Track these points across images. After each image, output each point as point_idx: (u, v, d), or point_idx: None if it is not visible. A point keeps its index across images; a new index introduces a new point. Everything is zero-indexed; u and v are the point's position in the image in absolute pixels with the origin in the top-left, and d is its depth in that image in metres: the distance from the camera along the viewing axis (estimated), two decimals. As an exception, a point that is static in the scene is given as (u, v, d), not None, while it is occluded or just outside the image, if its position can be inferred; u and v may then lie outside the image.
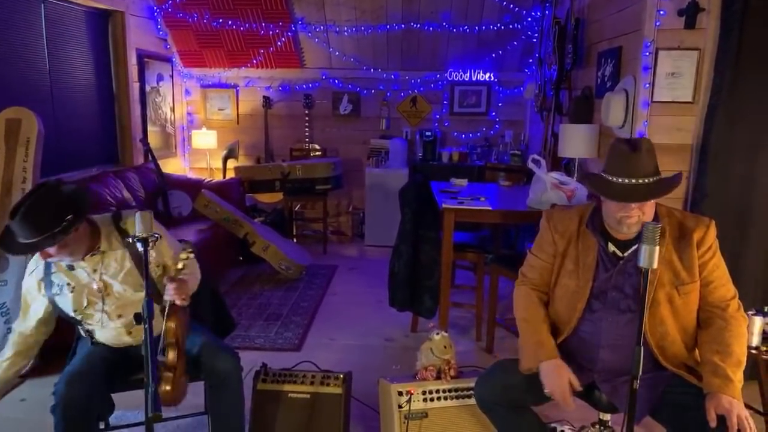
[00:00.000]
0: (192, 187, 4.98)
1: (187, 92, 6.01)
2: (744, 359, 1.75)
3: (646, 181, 1.75)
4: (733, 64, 2.74)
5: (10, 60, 3.70)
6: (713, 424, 1.61)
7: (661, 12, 2.89)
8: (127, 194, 4.35)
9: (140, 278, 2.02)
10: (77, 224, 1.87)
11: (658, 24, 2.90)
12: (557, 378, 1.79)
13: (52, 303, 2.06)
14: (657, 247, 1.48)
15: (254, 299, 4.21)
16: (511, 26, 5.33)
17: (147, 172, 4.81)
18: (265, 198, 5.79)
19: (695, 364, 1.83)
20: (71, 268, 2.02)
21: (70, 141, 4.30)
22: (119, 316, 2.06)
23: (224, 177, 5.70)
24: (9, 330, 2.97)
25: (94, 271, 2.03)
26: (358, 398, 2.57)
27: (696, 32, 2.86)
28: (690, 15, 2.81)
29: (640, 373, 1.58)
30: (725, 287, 1.84)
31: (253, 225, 4.64)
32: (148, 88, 5.21)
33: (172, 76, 5.69)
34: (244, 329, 3.64)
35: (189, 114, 6.06)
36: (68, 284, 2.04)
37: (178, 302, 1.88)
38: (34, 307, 2.09)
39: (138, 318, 1.54)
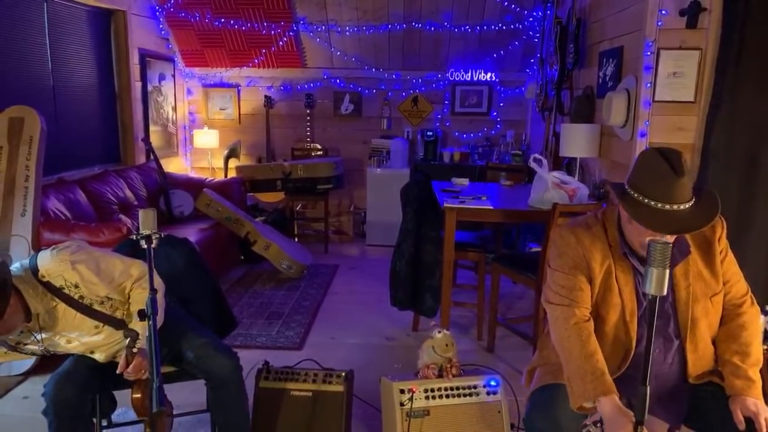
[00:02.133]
0: (194, 186, 4.99)
1: (189, 92, 6.02)
2: (761, 357, 1.73)
3: (688, 206, 1.58)
4: (734, 63, 2.75)
5: (13, 59, 3.72)
6: (742, 427, 1.59)
7: (663, 12, 2.90)
8: (129, 193, 4.36)
9: (92, 321, 1.85)
10: (3, 307, 1.62)
11: (659, 24, 2.91)
12: (623, 424, 1.51)
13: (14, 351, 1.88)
14: (667, 271, 1.29)
15: (255, 298, 4.22)
16: (512, 26, 5.34)
17: (149, 172, 4.82)
18: (267, 197, 5.80)
19: (715, 366, 1.80)
20: (20, 331, 1.81)
21: (72, 140, 4.31)
22: (92, 352, 1.94)
23: (226, 176, 5.71)
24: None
25: (42, 329, 1.81)
26: (359, 397, 2.58)
27: (697, 32, 2.87)
28: (692, 15, 2.82)
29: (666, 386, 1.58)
30: (740, 283, 1.80)
31: (255, 224, 4.65)
32: (150, 88, 5.22)
33: (174, 76, 5.70)
34: (246, 328, 3.64)
35: (191, 113, 6.07)
36: (20, 343, 1.84)
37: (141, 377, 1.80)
38: None
39: (142, 315, 1.54)
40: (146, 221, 1.75)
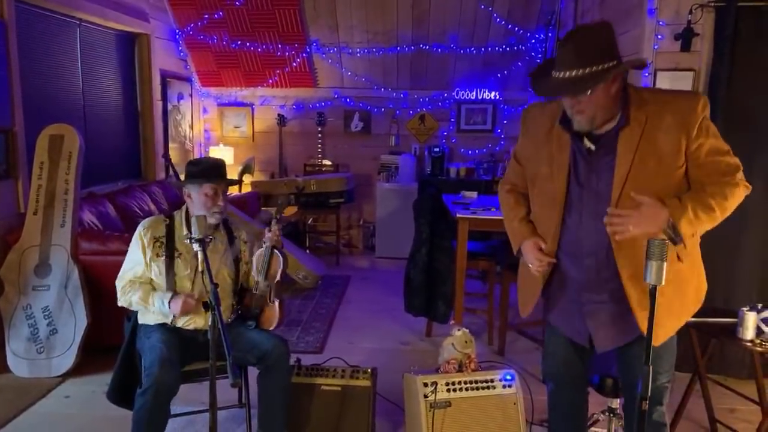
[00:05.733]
0: (211, 200, 5.19)
1: (205, 110, 6.26)
2: (716, 208, 1.64)
3: (571, 74, 1.61)
4: (725, 83, 2.99)
5: (50, 80, 3.96)
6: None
7: (659, 36, 3.15)
8: (152, 206, 4.57)
9: (233, 272, 2.40)
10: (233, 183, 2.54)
11: (656, 47, 3.16)
12: (531, 251, 1.86)
13: (156, 261, 2.29)
14: (664, 263, 1.42)
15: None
16: (515, 47, 5.60)
17: (169, 186, 5.03)
18: (280, 212, 6.00)
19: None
20: (194, 241, 2.10)
21: (99, 156, 4.53)
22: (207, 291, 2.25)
23: (240, 191, 5.92)
24: (52, 331, 3.18)
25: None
26: (380, 394, 2.75)
27: (691, 55, 3.11)
28: (685, 39, 3.06)
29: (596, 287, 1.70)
30: (724, 164, 1.70)
31: (272, 236, 4.84)
32: (169, 107, 5.46)
33: (191, 95, 5.95)
34: (267, 334, 3.82)
35: (206, 131, 6.30)
36: (182, 255, 2.31)
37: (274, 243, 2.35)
38: (138, 260, 2.31)
39: (206, 306, 1.74)
40: (200, 227, 1.96)
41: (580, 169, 1.78)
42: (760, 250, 3.07)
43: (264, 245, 2.39)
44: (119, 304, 2.33)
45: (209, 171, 2.31)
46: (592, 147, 1.74)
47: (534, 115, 1.92)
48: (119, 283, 2.33)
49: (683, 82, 3.14)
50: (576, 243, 1.80)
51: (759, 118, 3.01)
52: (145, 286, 2.30)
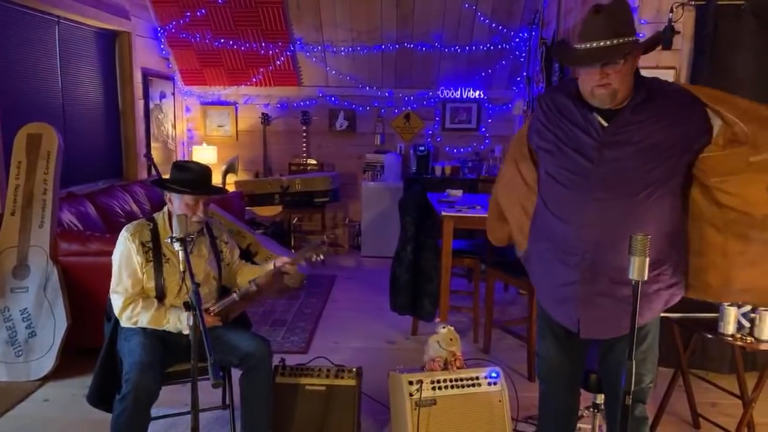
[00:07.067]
0: (195, 200, 5.13)
1: (188, 109, 6.19)
2: None
3: (603, 44, 1.66)
4: (705, 81, 3.02)
5: (28, 78, 3.88)
6: None
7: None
8: (134, 207, 4.51)
9: (217, 274, 2.39)
10: (219, 192, 2.52)
11: (637, 45, 3.17)
12: None
13: (145, 266, 2.24)
14: (646, 259, 1.42)
15: (258, 307, 4.37)
16: (499, 46, 5.62)
17: (151, 186, 4.97)
18: (264, 211, 5.96)
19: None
20: (175, 240, 2.00)
21: (78, 156, 4.46)
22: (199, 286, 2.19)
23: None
24: (31, 334, 3.12)
25: (190, 252, 2.17)
26: (366, 393, 2.74)
27: (672, 53, 3.13)
28: (666, 37, 3.09)
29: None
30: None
31: (256, 236, 4.80)
32: (151, 105, 5.39)
33: (173, 94, 5.88)
34: (252, 334, 3.79)
35: (189, 130, 6.24)
36: (168, 259, 2.28)
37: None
38: (133, 268, 2.23)
39: (187, 306, 1.71)
40: (181, 225, 1.93)
41: (590, 146, 1.77)
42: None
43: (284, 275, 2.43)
44: (122, 324, 2.22)
45: (194, 182, 2.25)
46: (604, 123, 1.76)
47: (548, 97, 1.95)
48: (118, 299, 2.21)
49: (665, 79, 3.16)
50: (578, 219, 1.78)
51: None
52: (148, 302, 2.22)
